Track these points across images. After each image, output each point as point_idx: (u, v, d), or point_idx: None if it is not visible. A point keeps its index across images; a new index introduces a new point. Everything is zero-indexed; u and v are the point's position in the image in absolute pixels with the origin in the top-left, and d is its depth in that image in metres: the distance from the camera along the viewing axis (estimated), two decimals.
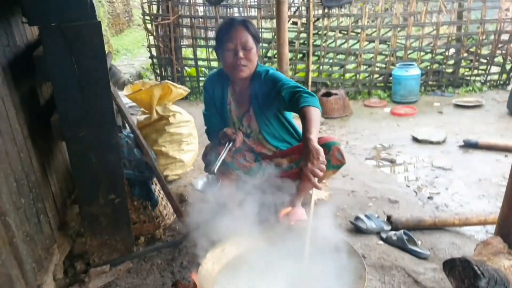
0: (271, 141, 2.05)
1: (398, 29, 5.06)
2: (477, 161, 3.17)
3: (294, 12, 5.31)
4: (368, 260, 1.92)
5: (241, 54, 1.84)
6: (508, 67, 5.17)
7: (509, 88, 5.11)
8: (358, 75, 5.28)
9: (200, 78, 5.66)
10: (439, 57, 5.21)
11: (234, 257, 1.49)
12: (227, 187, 1.81)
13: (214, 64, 5.60)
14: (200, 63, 5.61)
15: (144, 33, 5.90)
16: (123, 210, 1.91)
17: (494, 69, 5.25)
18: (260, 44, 2.01)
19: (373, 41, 5.12)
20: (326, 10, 5.06)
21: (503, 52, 5.08)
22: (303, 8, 5.17)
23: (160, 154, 2.75)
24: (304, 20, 5.12)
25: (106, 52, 1.71)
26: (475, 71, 5.27)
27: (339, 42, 5.19)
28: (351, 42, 5.15)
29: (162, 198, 2.28)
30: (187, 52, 6.00)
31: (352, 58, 5.24)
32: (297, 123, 1.98)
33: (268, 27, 5.64)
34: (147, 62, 7.12)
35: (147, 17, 5.39)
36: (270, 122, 2.00)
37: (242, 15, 5.62)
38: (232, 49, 1.85)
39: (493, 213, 2.25)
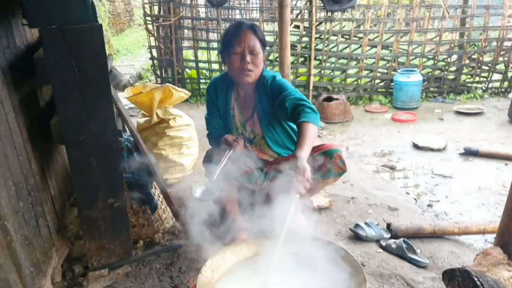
0: (274, 148, 2.04)
1: (401, 34, 5.05)
2: (478, 169, 3.17)
3: (297, 16, 5.31)
4: (367, 268, 1.91)
5: (248, 58, 1.82)
6: (510, 74, 5.17)
7: (510, 95, 5.12)
8: (359, 80, 5.27)
9: (201, 81, 5.65)
10: (441, 63, 5.21)
11: (234, 265, 1.48)
12: (227, 194, 1.79)
13: (215, 66, 5.60)
14: (201, 65, 5.60)
15: (145, 33, 5.89)
16: (122, 214, 1.90)
17: (496, 76, 5.24)
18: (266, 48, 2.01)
19: (375, 46, 5.12)
20: (328, 14, 5.06)
21: (505, 59, 5.08)
22: (306, 11, 5.17)
23: (160, 158, 2.75)
24: (306, 23, 5.11)
25: (107, 54, 1.70)
26: (477, 78, 5.27)
27: (341, 46, 5.19)
28: (353, 46, 5.15)
29: (161, 202, 2.27)
30: (188, 54, 6.00)
31: (354, 63, 5.23)
32: None
33: (270, 30, 5.63)
34: (147, 63, 7.11)
35: (148, 18, 5.39)
36: (274, 128, 1.99)
37: (244, 17, 5.61)
38: (239, 53, 1.83)
39: (493, 222, 2.25)
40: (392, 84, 5.08)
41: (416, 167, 3.28)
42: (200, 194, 1.73)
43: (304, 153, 1.49)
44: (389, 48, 5.15)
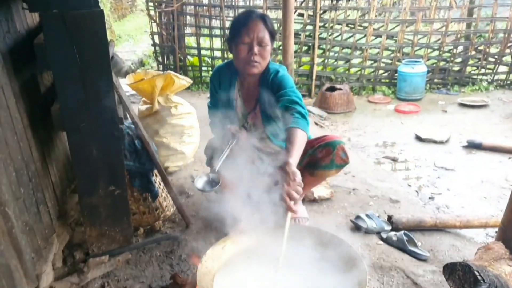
0: (275, 141, 2.02)
1: (406, 24, 4.98)
2: (480, 162, 3.15)
3: (301, 4, 5.23)
4: (367, 260, 1.91)
5: (256, 50, 1.78)
6: None
7: None
8: (363, 70, 5.22)
9: (203, 68, 5.60)
10: (446, 54, 5.14)
11: (234, 255, 1.48)
12: (229, 185, 1.78)
13: (218, 54, 5.54)
14: (203, 52, 5.55)
15: (147, 19, 5.82)
16: (123, 201, 1.90)
17: (502, 68, 5.18)
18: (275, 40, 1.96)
19: (380, 36, 5.05)
20: (333, 3, 4.98)
21: None
22: None
23: (161, 145, 2.73)
24: (310, 12, 5.04)
25: (109, 40, 1.67)
26: (482, 70, 5.21)
27: (345, 35, 5.12)
28: (357, 36, 5.08)
29: (162, 189, 2.27)
30: (190, 41, 5.93)
31: (358, 52, 5.17)
32: None
33: (274, 17, 5.55)
34: (149, 49, 7.04)
35: (151, 4, 5.31)
36: (275, 122, 1.97)
37: (248, 4, 5.53)
38: (247, 43, 1.78)
39: (495, 216, 2.24)
40: (396, 74, 5.03)
41: (418, 159, 3.27)
42: (202, 185, 1.71)
43: (292, 159, 1.46)
44: (394, 38, 5.08)
